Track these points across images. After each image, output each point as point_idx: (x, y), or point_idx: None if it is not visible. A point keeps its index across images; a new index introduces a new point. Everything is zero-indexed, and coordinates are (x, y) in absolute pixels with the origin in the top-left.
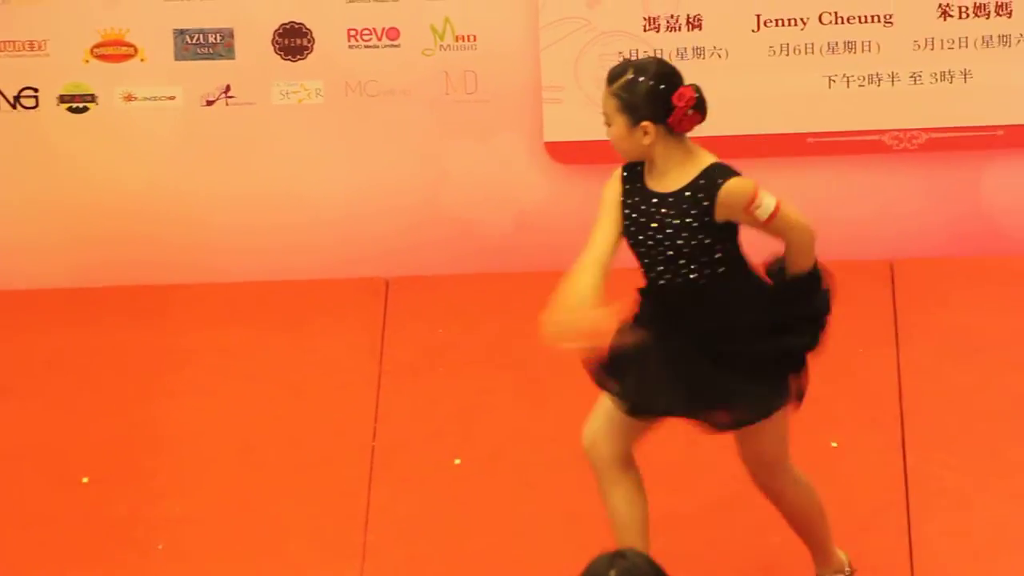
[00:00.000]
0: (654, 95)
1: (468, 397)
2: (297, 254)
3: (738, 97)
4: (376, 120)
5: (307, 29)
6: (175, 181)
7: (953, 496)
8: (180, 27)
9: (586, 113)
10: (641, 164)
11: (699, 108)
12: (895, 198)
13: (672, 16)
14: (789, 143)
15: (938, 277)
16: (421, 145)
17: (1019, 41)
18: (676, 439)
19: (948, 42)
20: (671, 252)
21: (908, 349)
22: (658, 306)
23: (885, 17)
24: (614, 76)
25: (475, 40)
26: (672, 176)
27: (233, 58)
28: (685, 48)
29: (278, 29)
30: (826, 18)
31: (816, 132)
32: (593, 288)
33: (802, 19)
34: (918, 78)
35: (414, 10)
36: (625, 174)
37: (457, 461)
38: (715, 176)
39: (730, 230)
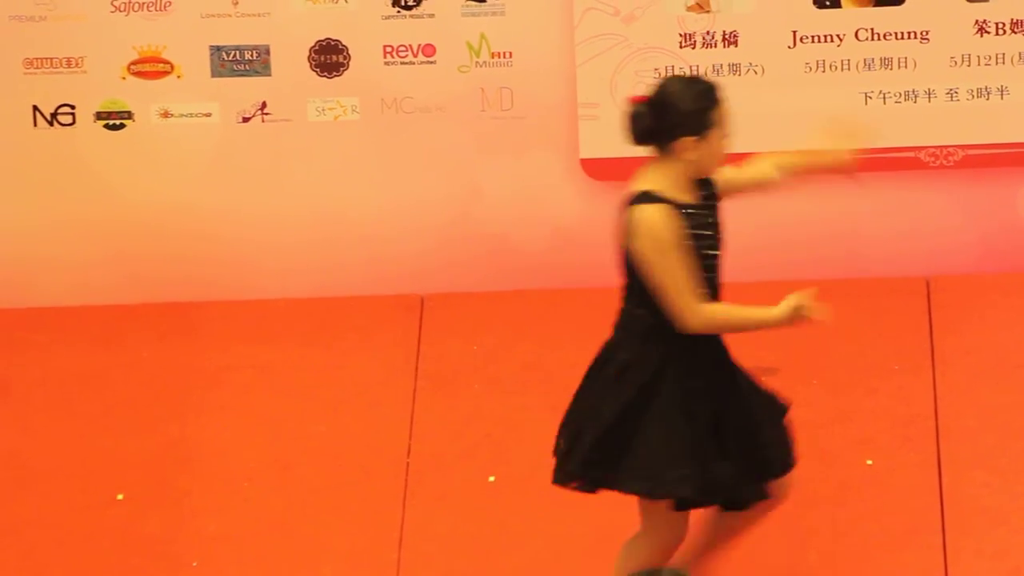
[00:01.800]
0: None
1: (503, 414)
2: (332, 271)
3: (774, 113)
4: (411, 137)
5: (343, 46)
6: (210, 198)
7: (989, 515)
8: (217, 43)
9: (621, 129)
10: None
11: None
12: (931, 215)
13: (708, 32)
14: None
15: (974, 294)
16: (456, 162)
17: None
18: None
19: (985, 58)
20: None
21: (944, 366)
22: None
23: (922, 33)
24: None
25: (511, 57)
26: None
27: (269, 75)
28: (721, 64)
29: (314, 46)
30: (862, 34)
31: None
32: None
33: (839, 35)
34: (955, 95)
35: (450, 26)
36: (671, 207)
37: (492, 478)
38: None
39: None
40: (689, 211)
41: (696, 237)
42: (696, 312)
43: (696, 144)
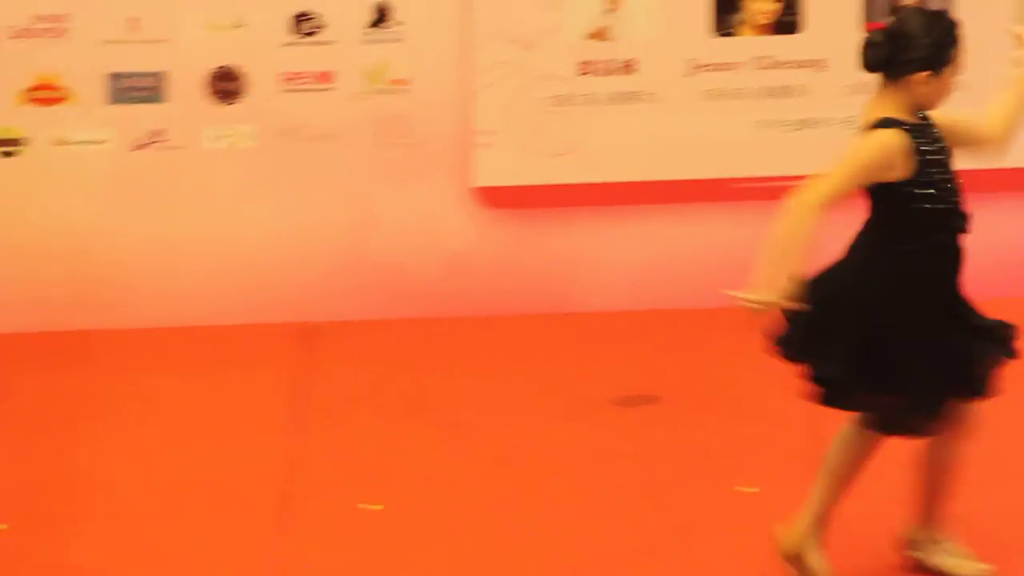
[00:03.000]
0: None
1: (392, 443)
2: (225, 299)
3: (671, 142)
4: (307, 164)
5: (240, 73)
6: (103, 225)
7: (865, 540)
8: (114, 70)
9: (518, 158)
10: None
11: None
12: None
13: (606, 60)
14: (721, 188)
15: None
16: (351, 189)
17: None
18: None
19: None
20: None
21: None
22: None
23: (817, 61)
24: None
25: (410, 84)
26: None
27: (165, 102)
28: (620, 92)
29: (211, 73)
30: (759, 63)
31: (748, 177)
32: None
33: (735, 64)
34: (851, 123)
35: (349, 54)
36: (907, 127)
37: (379, 507)
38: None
39: None
40: (923, 134)
41: (931, 156)
42: (809, 202)
43: (929, 79)
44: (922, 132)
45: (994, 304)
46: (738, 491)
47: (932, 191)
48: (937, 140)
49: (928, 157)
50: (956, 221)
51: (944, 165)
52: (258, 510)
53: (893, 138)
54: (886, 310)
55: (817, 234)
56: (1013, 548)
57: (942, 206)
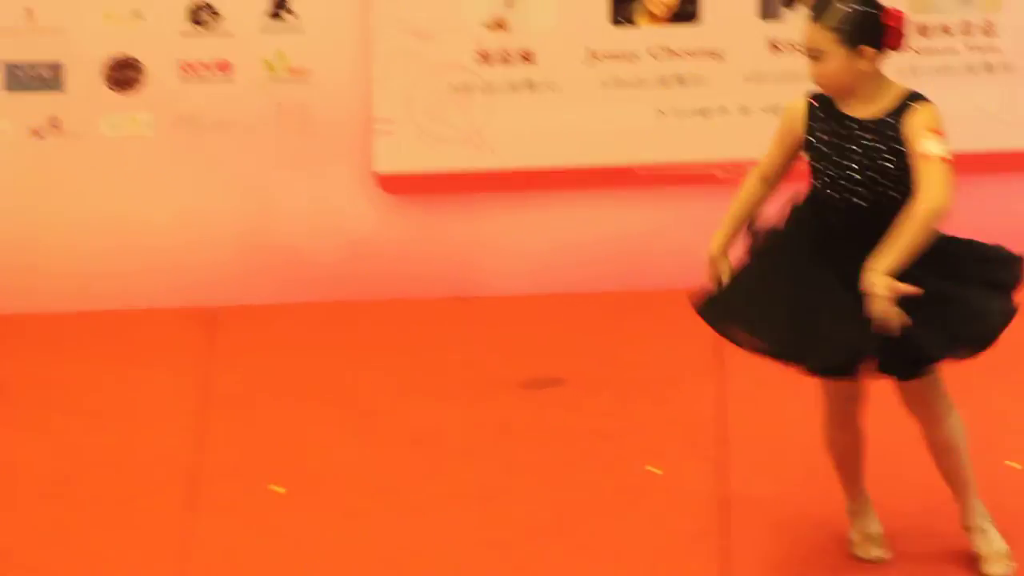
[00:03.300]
0: (869, 19)
1: (295, 427)
2: (125, 284)
3: (571, 130)
4: (207, 153)
5: (138, 62)
6: (1, 208)
7: (773, 523)
8: (10, 59)
9: (417, 144)
10: (824, 96)
11: (903, 27)
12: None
13: (505, 49)
14: (620, 175)
15: None
16: (252, 177)
17: None
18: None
19: (777, 76)
20: (871, 173)
21: (731, 374)
22: (821, 231)
23: (715, 51)
24: (820, 9)
25: (308, 74)
26: (876, 103)
27: (63, 90)
28: (518, 81)
29: (109, 62)
30: (657, 52)
31: (647, 164)
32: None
33: (633, 53)
34: (748, 111)
35: (247, 44)
36: (814, 103)
37: (280, 490)
38: (914, 100)
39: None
40: (827, 118)
41: (821, 144)
42: (751, 172)
43: (844, 56)
44: (828, 116)
45: None
46: (643, 471)
47: (818, 170)
48: (843, 133)
49: (817, 143)
50: (837, 213)
51: (836, 161)
52: (165, 493)
53: (794, 104)
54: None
55: (753, 200)
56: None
57: (827, 192)
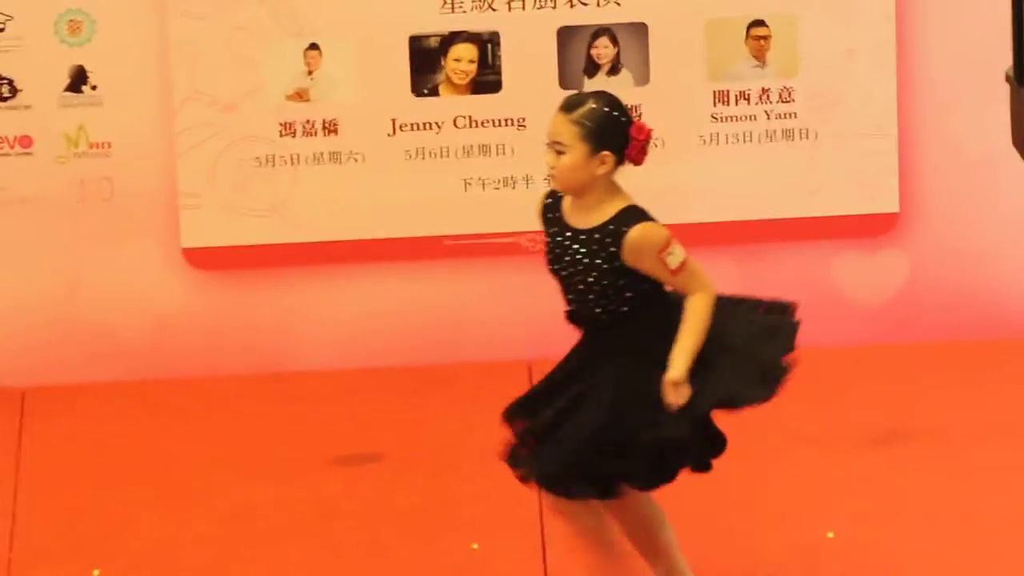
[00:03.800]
0: (617, 125)
1: (108, 508)
2: None
3: (377, 201)
4: (8, 229)
5: None
6: None
7: None
8: None
9: (223, 218)
10: (560, 195)
11: (648, 143)
12: (532, 299)
13: (308, 121)
14: (427, 246)
15: None
16: (55, 254)
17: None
18: None
19: None
20: (581, 287)
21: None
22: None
23: (518, 121)
24: (573, 104)
25: (110, 147)
26: (594, 213)
27: None
28: (322, 153)
29: None
30: (460, 122)
31: (453, 235)
32: None
33: (437, 123)
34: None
35: (47, 118)
36: (548, 201)
37: (96, 573)
38: (626, 220)
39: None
40: (555, 218)
41: (549, 240)
42: None
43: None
44: (554, 218)
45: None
46: (467, 548)
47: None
48: (563, 234)
49: (548, 238)
50: (569, 309)
51: (557, 257)
52: None
53: (541, 198)
54: None
55: None
56: None
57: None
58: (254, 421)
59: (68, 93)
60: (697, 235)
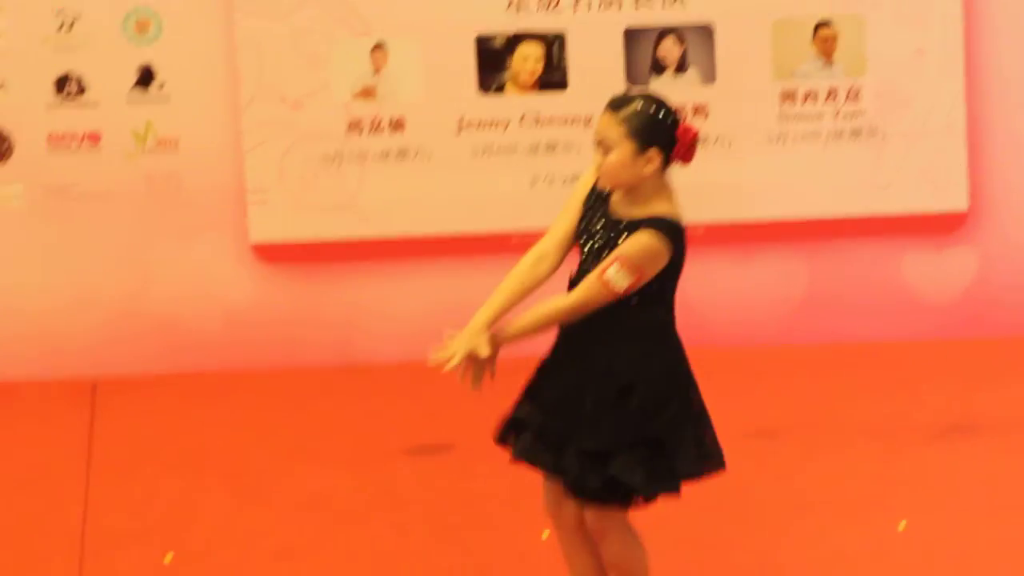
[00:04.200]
0: (664, 125)
1: (178, 495)
2: (4, 358)
3: (442, 197)
4: (78, 224)
5: (6, 134)
6: None
7: None
8: None
9: (291, 214)
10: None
11: (696, 144)
12: None
13: (375, 118)
14: (494, 242)
15: None
16: (125, 248)
17: (717, 142)
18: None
19: None
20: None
21: None
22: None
23: (584, 118)
24: (621, 103)
25: (178, 143)
26: (635, 210)
27: None
28: (389, 149)
29: None
30: (527, 120)
31: (520, 232)
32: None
33: (503, 121)
34: None
35: (115, 115)
36: (597, 186)
37: (168, 559)
38: (649, 223)
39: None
40: (600, 202)
41: (583, 219)
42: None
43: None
44: (601, 197)
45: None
46: (536, 536)
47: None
48: (600, 217)
49: (585, 224)
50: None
51: (587, 231)
52: (54, 565)
53: (587, 176)
54: None
55: (525, 279)
56: None
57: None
58: (324, 412)
59: (136, 90)
60: (766, 232)
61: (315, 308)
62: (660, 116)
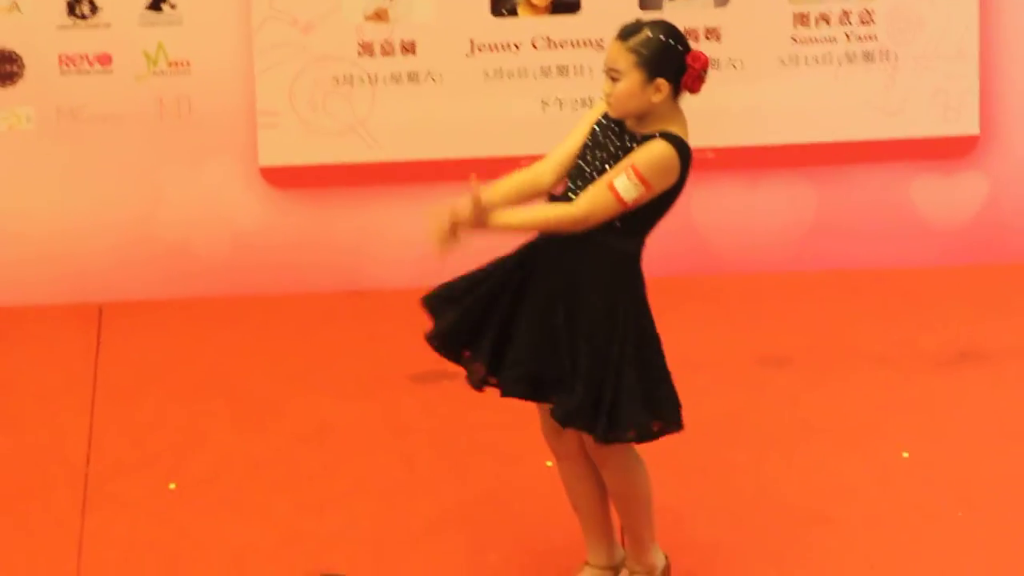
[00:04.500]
0: (673, 54)
1: (184, 422)
2: (10, 280)
3: (454, 121)
4: (89, 146)
5: (16, 55)
6: None
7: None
8: None
9: (301, 137)
10: None
11: (705, 72)
12: None
13: (386, 41)
14: (505, 166)
15: (650, 295)
16: (135, 171)
17: (728, 65)
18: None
19: None
20: (593, 175)
21: None
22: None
23: (596, 41)
24: (630, 32)
25: (189, 66)
26: (649, 129)
27: None
28: (400, 73)
29: None
30: (539, 43)
31: (531, 155)
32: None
33: (515, 44)
34: None
35: (127, 36)
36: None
37: (172, 486)
38: (662, 136)
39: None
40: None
41: (592, 135)
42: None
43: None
44: (607, 129)
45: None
46: (540, 464)
47: (577, 168)
48: (614, 129)
49: (593, 136)
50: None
51: (596, 143)
52: (58, 490)
53: (596, 104)
54: None
55: (534, 181)
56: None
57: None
58: (331, 338)
59: (148, 11)
60: (776, 156)
61: (324, 233)
62: (670, 44)
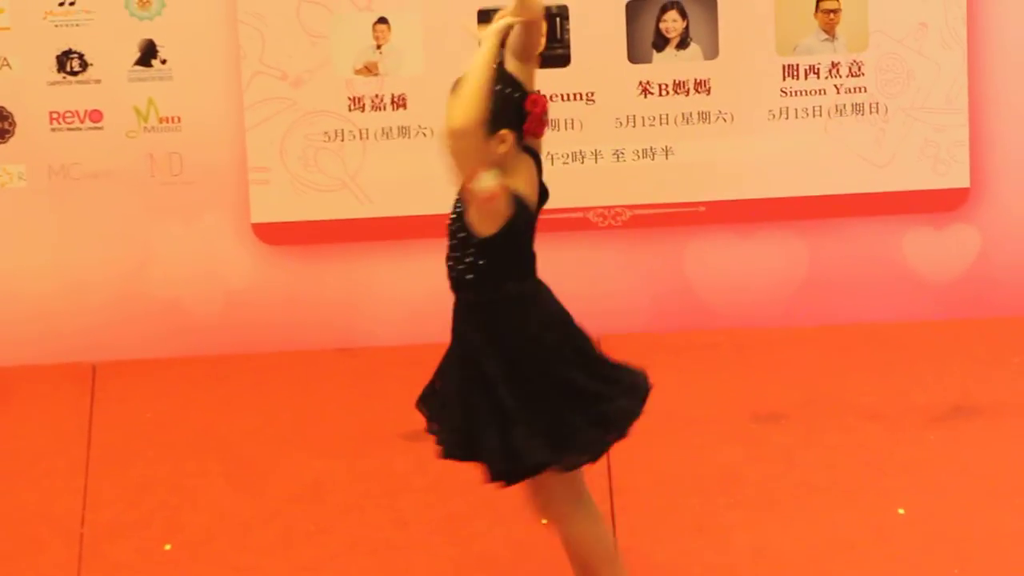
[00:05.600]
0: (510, 101)
1: (178, 482)
2: (2, 340)
3: (445, 176)
4: (81, 204)
5: (7, 112)
6: None
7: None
8: None
9: (293, 194)
10: None
11: (546, 115)
12: (601, 275)
13: (377, 96)
14: None
15: (645, 351)
16: (126, 228)
17: (718, 118)
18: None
19: (649, 119)
20: (462, 235)
21: None
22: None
23: (587, 95)
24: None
25: (179, 121)
26: None
27: None
28: (391, 127)
29: None
30: None
31: None
32: None
33: None
34: (621, 155)
35: (117, 92)
36: None
37: (168, 547)
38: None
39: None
40: None
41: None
42: None
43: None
44: None
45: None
46: (530, 522)
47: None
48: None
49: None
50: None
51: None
52: (53, 552)
53: None
54: None
55: None
56: None
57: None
58: (323, 396)
59: (138, 67)
60: (766, 210)
61: (316, 289)
62: (505, 93)
